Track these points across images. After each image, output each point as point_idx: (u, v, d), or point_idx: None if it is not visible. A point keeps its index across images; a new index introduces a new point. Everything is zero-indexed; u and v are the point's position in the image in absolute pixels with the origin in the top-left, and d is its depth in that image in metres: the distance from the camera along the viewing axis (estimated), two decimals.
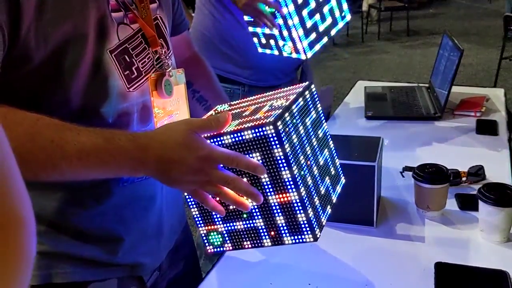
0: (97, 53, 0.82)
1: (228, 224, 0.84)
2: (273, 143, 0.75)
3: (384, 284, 1.04)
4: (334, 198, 0.91)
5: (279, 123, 0.75)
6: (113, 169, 0.78)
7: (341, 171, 0.97)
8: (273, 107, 0.82)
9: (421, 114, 1.90)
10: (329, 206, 0.87)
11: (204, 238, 0.88)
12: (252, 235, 0.82)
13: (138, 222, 0.96)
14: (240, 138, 0.77)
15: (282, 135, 0.75)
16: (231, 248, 0.85)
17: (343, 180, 0.97)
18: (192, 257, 1.21)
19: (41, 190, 0.86)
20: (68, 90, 0.81)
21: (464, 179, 1.39)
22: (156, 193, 0.97)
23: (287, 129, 0.77)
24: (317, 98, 0.92)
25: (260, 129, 0.75)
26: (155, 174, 0.78)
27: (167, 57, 0.95)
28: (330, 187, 0.90)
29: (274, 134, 0.74)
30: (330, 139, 0.94)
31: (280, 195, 0.78)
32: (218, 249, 0.86)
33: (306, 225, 0.78)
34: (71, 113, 0.82)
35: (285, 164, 0.76)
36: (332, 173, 0.92)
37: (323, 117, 0.92)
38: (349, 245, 1.18)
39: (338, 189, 0.94)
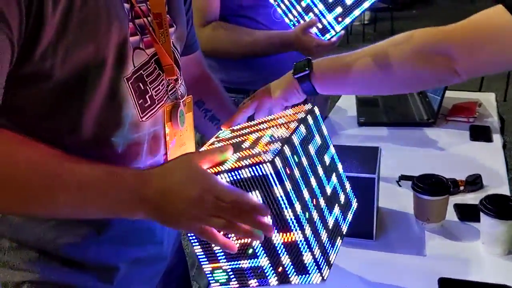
0: (114, 80, 0.79)
1: (232, 263, 0.80)
2: (272, 182, 0.70)
3: None
4: (345, 228, 0.85)
5: (278, 161, 0.71)
6: (112, 203, 0.74)
7: (352, 195, 0.93)
8: (273, 138, 0.77)
9: (414, 120, 1.88)
10: (339, 238, 0.82)
11: (209, 275, 0.83)
12: (258, 273, 0.78)
13: (136, 253, 0.91)
14: (238, 177, 0.72)
15: (281, 174, 0.71)
16: (237, 285, 0.81)
17: (354, 205, 0.92)
18: (184, 276, 1.17)
19: (36, 218, 0.83)
20: (80, 116, 0.78)
21: (462, 188, 1.37)
22: (156, 226, 0.92)
23: (287, 165, 0.73)
24: (321, 121, 0.88)
25: (258, 168, 0.70)
26: (155, 210, 0.73)
27: (179, 85, 0.93)
28: (340, 216, 0.85)
29: (273, 173, 0.70)
30: (337, 162, 0.89)
31: (284, 235, 0.73)
32: (224, 286, 0.82)
33: (313, 265, 0.74)
34: (81, 140, 0.79)
35: (286, 203, 0.71)
36: (342, 200, 0.87)
37: (329, 140, 0.88)
38: (347, 259, 1.14)
39: (349, 216, 0.89)
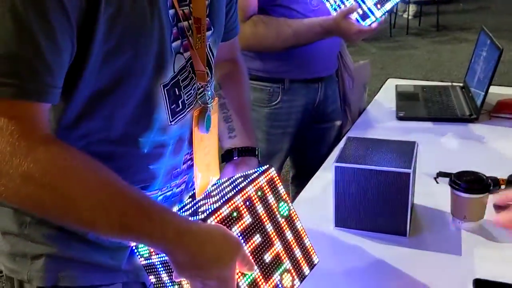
0: (151, 86, 0.81)
1: None
2: None
3: None
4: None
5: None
6: (145, 244, 0.79)
7: (312, 251, 0.90)
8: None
9: (456, 115, 1.82)
10: None
11: None
12: None
13: None
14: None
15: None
16: None
17: (315, 260, 0.90)
18: None
19: None
20: (112, 117, 0.80)
21: (503, 187, 1.32)
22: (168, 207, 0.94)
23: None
24: (278, 179, 0.87)
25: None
26: (180, 262, 0.74)
27: (209, 88, 0.93)
28: (283, 280, 0.83)
29: None
30: (293, 218, 0.88)
31: None
32: None
33: None
34: (109, 137, 0.81)
35: None
36: (297, 255, 0.86)
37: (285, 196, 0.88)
38: (379, 256, 1.11)
39: (306, 271, 0.88)
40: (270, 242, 0.83)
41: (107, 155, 0.81)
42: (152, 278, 0.86)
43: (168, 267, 0.81)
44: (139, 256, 0.85)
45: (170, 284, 0.83)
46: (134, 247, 0.85)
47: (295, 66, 1.70)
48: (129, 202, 0.71)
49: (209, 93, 0.93)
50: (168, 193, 0.95)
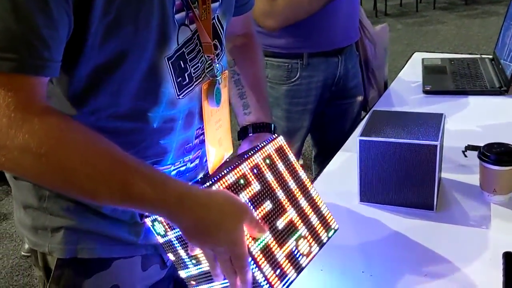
0: (155, 60, 0.80)
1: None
2: None
3: (446, 274, 0.96)
4: (305, 262, 0.83)
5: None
6: (147, 211, 0.81)
7: (329, 218, 0.89)
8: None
9: (485, 87, 1.77)
10: (293, 271, 0.81)
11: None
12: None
13: None
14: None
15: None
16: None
17: (334, 227, 0.89)
18: None
19: None
20: (119, 92, 0.80)
21: None
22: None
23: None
24: (288, 148, 0.86)
25: None
26: (185, 228, 0.76)
27: (219, 60, 0.91)
28: (298, 250, 0.82)
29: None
30: (308, 186, 0.87)
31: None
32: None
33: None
34: (118, 114, 0.82)
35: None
36: (302, 233, 0.84)
37: (297, 165, 0.87)
38: (406, 230, 1.09)
39: (314, 250, 0.85)
40: (282, 209, 0.82)
41: (117, 131, 0.81)
42: (171, 256, 0.86)
43: (184, 242, 0.81)
44: (156, 234, 0.85)
45: (188, 259, 0.83)
46: (150, 226, 0.85)
47: (314, 38, 1.67)
48: (129, 169, 0.72)
49: (218, 65, 0.91)
50: (182, 168, 0.94)
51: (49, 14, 0.67)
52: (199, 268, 0.83)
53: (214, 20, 0.90)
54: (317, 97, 1.74)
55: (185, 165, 0.95)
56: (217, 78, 0.91)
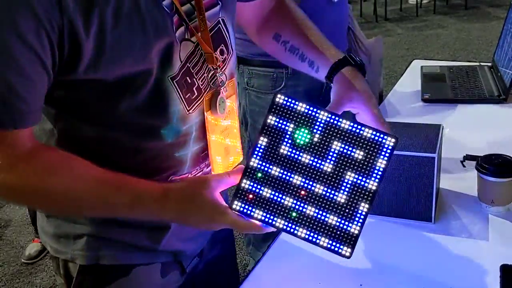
0: (159, 81, 0.80)
1: (277, 195, 0.81)
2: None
3: (444, 286, 0.96)
4: (374, 184, 0.79)
5: (234, 204, 0.81)
6: (136, 217, 0.86)
7: (379, 136, 0.81)
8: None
9: (484, 96, 1.77)
10: (363, 204, 0.80)
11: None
12: (292, 215, 0.80)
13: None
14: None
15: (244, 211, 0.80)
16: (258, 216, 0.81)
17: (390, 141, 0.81)
18: (229, 237, 1.19)
19: None
20: (129, 113, 0.81)
21: None
22: None
23: (247, 195, 0.81)
24: (292, 102, 0.82)
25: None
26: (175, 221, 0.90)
27: (224, 69, 0.91)
28: (360, 178, 0.79)
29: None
30: (338, 121, 0.81)
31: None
32: (244, 208, 0.81)
33: (352, 238, 0.79)
34: (131, 133, 0.84)
35: (266, 225, 0.81)
36: (359, 157, 0.80)
37: (313, 110, 0.81)
38: (404, 242, 1.10)
39: (381, 163, 0.80)
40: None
41: (134, 150, 0.84)
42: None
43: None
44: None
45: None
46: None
47: None
48: (109, 189, 0.80)
49: (222, 75, 0.90)
50: (199, 174, 0.95)
51: (24, 74, 0.69)
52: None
53: (219, 25, 0.89)
54: None
55: (202, 170, 0.95)
56: (221, 88, 0.90)
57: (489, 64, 2.02)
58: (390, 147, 0.80)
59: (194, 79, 0.86)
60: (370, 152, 0.80)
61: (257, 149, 0.80)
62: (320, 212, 0.79)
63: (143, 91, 0.79)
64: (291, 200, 0.79)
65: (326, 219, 0.79)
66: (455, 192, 1.25)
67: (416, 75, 2.01)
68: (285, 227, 0.79)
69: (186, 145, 0.89)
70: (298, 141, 0.80)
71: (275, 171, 0.80)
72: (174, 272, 0.99)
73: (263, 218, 0.79)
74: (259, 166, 0.80)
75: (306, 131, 0.80)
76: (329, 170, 0.80)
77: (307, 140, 0.80)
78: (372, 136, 0.80)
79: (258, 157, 0.80)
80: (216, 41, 0.88)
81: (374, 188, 0.79)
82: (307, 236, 0.78)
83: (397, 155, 1.10)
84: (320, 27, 1.63)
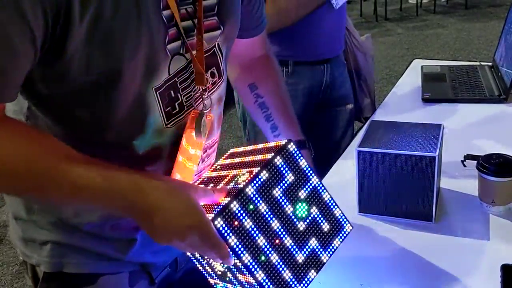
0: (142, 89, 0.79)
1: (256, 232, 0.80)
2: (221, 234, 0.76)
3: (444, 285, 0.96)
4: (326, 257, 0.86)
5: (217, 220, 0.75)
6: (104, 205, 0.77)
7: (344, 219, 0.89)
8: (236, 184, 0.81)
9: (484, 96, 1.77)
10: (313, 270, 0.83)
11: None
12: None
13: None
14: None
15: (223, 232, 0.75)
16: (232, 243, 0.79)
17: (348, 228, 0.90)
18: None
19: None
20: (104, 119, 0.79)
21: None
22: None
23: (234, 219, 0.76)
24: (298, 156, 0.84)
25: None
26: (143, 220, 0.75)
27: (211, 92, 0.90)
28: (319, 247, 0.84)
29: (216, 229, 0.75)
30: (322, 191, 0.87)
31: (243, 276, 0.79)
32: (224, 229, 0.79)
33: None
34: (103, 140, 0.81)
35: (233, 255, 0.76)
36: (325, 229, 0.86)
37: (309, 171, 0.85)
38: (405, 242, 1.09)
39: (337, 242, 0.88)
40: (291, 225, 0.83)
41: (102, 157, 0.78)
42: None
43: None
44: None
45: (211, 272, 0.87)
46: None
47: (299, 49, 1.67)
48: (79, 166, 0.73)
49: (207, 99, 0.88)
50: None
51: (11, 45, 0.66)
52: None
53: (215, 49, 0.89)
54: (303, 105, 1.74)
55: None
56: (205, 111, 0.88)
57: (490, 63, 2.02)
58: (347, 232, 0.89)
59: (179, 94, 0.84)
60: (333, 230, 0.87)
61: (257, 179, 0.80)
62: (281, 264, 0.80)
63: (123, 95, 0.77)
64: (266, 243, 0.79)
65: (283, 272, 0.80)
66: (456, 191, 1.24)
67: (417, 74, 2.01)
68: (249, 264, 0.77)
69: (158, 160, 0.86)
70: (297, 213, 0.83)
71: (263, 208, 0.79)
72: (143, 281, 0.97)
73: (235, 246, 0.76)
74: (252, 196, 0.79)
75: (306, 207, 0.84)
76: (301, 229, 0.83)
77: (304, 214, 0.84)
78: (339, 217, 0.89)
79: (255, 187, 0.79)
80: (209, 63, 0.87)
81: (324, 261, 0.85)
82: (262, 281, 0.78)
83: (397, 155, 1.09)
84: (321, 32, 1.66)
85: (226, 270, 0.84)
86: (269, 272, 0.79)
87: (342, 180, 1.35)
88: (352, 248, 1.07)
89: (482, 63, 2.05)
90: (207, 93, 0.88)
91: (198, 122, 0.86)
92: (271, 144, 0.87)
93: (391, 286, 0.97)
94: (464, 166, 1.34)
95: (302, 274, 0.82)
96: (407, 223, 1.14)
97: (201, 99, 0.87)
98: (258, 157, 0.85)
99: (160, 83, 0.80)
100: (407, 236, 1.11)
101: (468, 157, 1.36)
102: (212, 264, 0.87)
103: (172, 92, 0.83)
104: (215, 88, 0.91)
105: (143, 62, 0.76)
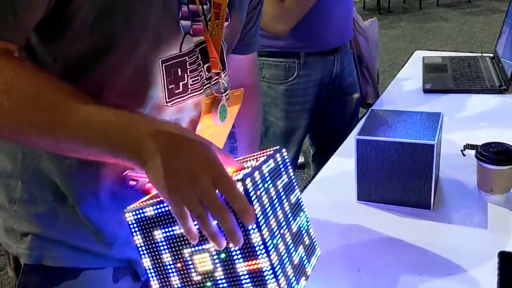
0: (147, 59, 0.77)
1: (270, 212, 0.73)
2: None
3: (442, 273, 0.96)
4: (309, 270, 0.80)
5: (247, 180, 0.66)
6: (111, 144, 0.67)
7: (315, 242, 0.85)
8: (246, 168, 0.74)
9: (485, 86, 1.77)
10: (303, 278, 0.77)
11: None
12: None
13: None
14: None
15: (250, 194, 0.66)
16: (256, 210, 0.70)
17: (318, 252, 0.85)
18: None
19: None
20: (103, 86, 0.77)
21: None
22: None
23: (257, 188, 0.69)
24: (289, 163, 0.82)
25: None
26: (152, 153, 0.64)
27: (223, 78, 0.89)
28: (305, 257, 0.80)
29: (242, 192, 0.66)
30: (303, 207, 0.83)
31: (249, 262, 0.68)
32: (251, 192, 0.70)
33: None
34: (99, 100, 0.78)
35: (254, 226, 0.66)
36: (306, 242, 0.82)
37: (295, 183, 0.82)
38: (403, 229, 1.10)
39: (314, 261, 0.82)
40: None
41: None
42: (146, 262, 0.74)
43: (170, 244, 0.72)
44: (134, 233, 0.73)
45: (169, 265, 0.73)
46: (130, 221, 0.73)
47: (310, 40, 1.68)
48: (86, 97, 0.69)
49: (224, 83, 0.88)
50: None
51: None
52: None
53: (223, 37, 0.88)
54: (315, 95, 1.75)
55: None
56: (223, 95, 0.87)
57: (491, 54, 2.02)
58: (318, 256, 0.84)
59: (186, 75, 0.83)
60: (310, 246, 0.83)
61: (268, 164, 0.76)
62: (286, 257, 0.73)
63: (127, 62, 0.76)
64: (276, 227, 0.72)
65: (287, 265, 0.73)
66: (455, 180, 1.25)
67: (418, 65, 2.01)
68: (268, 240, 0.68)
69: None
70: (299, 220, 0.80)
71: (272, 192, 0.74)
72: (127, 277, 0.95)
73: (258, 214, 0.67)
74: (267, 176, 0.74)
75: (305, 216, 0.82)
76: (294, 230, 0.78)
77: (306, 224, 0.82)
78: (313, 237, 0.85)
79: (267, 169, 0.74)
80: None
81: (308, 273, 0.79)
82: (274, 265, 0.68)
83: (396, 143, 1.10)
84: (331, 21, 1.66)
85: (217, 266, 0.71)
86: (279, 258, 0.71)
87: (341, 168, 1.35)
88: (350, 235, 1.08)
89: (483, 54, 2.05)
90: (222, 76, 0.87)
91: (215, 108, 0.85)
92: (263, 151, 0.84)
93: (389, 273, 0.98)
94: (464, 155, 1.34)
95: (297, 276, 0.75)
96: (406, 211, 1.14)
97: (216, 82, 0.87)
98: (252, 157, 0.83)
99: (168, 56, 0.79)
100: (406, 224, 1.11)
101: (468, 146, 1.36)
102: (189, 268, 0.72)
103: (179, 70, 0.82)
104: (221, 79, 0.90)
105: (152, 28, 0.75)
